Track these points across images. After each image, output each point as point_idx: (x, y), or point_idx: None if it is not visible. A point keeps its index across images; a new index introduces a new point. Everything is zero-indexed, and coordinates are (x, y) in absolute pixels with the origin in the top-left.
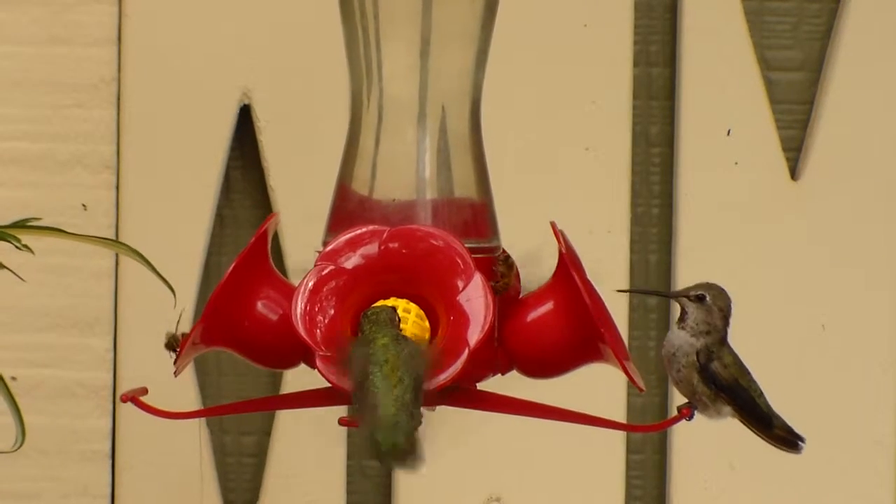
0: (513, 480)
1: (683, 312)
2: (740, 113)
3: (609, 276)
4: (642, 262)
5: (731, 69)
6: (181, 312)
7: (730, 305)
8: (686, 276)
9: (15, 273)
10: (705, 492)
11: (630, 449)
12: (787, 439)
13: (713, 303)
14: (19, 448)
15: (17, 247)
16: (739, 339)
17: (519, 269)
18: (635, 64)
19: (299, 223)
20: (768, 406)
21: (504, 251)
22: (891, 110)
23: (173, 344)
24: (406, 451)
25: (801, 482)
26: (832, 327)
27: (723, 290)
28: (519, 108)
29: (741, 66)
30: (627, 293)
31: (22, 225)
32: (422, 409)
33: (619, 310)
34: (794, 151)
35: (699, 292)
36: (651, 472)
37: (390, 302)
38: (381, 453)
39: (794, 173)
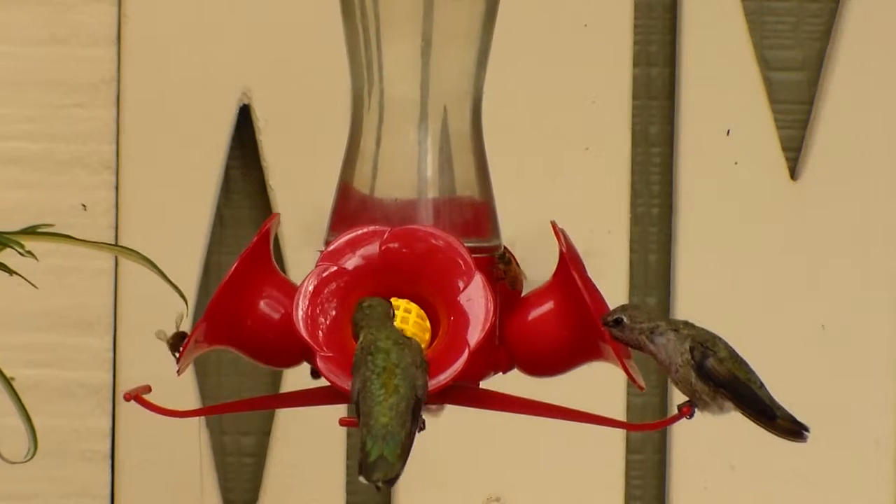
0: (513, 480)
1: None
2: (740, 113)
3: (609, 275)
4: (642, 261)
5: (731, 69)
6: (181, 317)
7: (652, 311)
8: (685, 275)
9: (28, 280)
10: (705, 492)
11: (630, 449)
12: (792, 429)
13: (632, 323)
14: (32, 458)
15: (20, 253)
16: (739, 338)
17: (517, 259)
18: (635, 64)
19: (299, 223)
20: (770, 397)
21: (499, 247)
22: (891, 110)
23: (177, 343)
24: (390, 466)
25: (801, 482)
26: (832, 327)
27: (636, 305)
28: (519, 108)
29: (741, 66)
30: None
31: (32, 231)
32: (422, 415)
33: None
34: (794, 151)
35: (616, 317)
36: (651, 471)
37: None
38: (366, 465)
39: (793, 173)
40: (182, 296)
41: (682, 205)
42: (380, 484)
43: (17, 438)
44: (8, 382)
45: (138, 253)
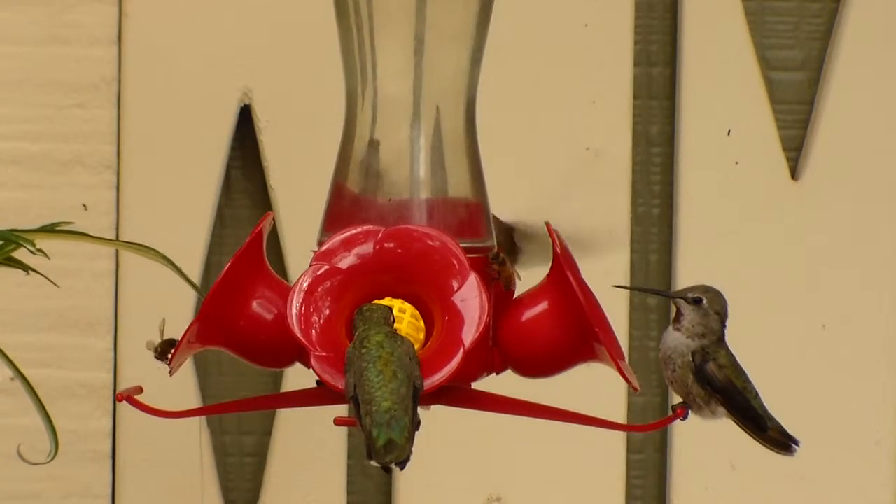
0: (513, 480)
1: (679, 314)
2: (741, 113)
3: (610, 275)
4: (643, 261)
5: (732, 69)
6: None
7: (726, 309)
8: (686, 275)
9: (50, 280)
10: (706, 492)
11: (630, 448)
12: (781, 441)
13: (709, 306)
14: (53, 459)
15: (31, 251)
16: (739, 338)
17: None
18: (636, 63)
19: (299, 223)
20: (763, 408)
21: (492, 248)
22: (891, 110)
23: (161, 351)
24: (401, 448)
25: (802, 482)
26: (832, 327)
27: (719, 293)
28: (520, 108)
29: (742, 66)
30: (627, 290)
31: (50, 230)
32: (419, 409)
33: (618, 309)
34: (795, 151)
35: (696, 295)
36: (651, 471)
37: (385, 302)
38: (375, 449)
39: (794, 173)
40: (197, 289)
41: (683, 205)
42: (392, 465)
43: (26, 438)
44: (28, 384)
45: (155, 250)
